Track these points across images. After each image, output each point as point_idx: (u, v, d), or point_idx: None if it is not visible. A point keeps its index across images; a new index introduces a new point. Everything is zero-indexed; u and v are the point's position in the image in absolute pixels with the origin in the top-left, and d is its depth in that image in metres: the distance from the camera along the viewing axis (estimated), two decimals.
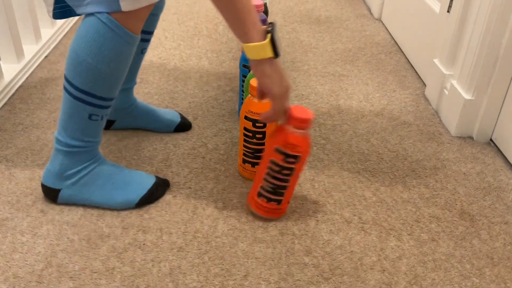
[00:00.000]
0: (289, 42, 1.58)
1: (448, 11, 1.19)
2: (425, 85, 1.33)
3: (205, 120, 1.15)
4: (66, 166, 0.85)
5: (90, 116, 0.82)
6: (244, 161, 0.95)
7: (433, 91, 1.24)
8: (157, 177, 0.93)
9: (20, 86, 1.26)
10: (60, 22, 1.56)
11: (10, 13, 1.24)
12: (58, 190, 0.87)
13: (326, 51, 1.53)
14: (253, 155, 0.93)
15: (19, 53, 1.30)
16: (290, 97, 1.26)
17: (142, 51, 1.01)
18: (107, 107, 0.84)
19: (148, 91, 1.26)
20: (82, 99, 0.80)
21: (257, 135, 0.90)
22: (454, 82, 1.14)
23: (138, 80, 1.31)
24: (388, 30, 1.69)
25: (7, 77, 1.22)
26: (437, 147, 1.09)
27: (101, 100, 0.81)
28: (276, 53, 0.75)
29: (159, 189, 0.92)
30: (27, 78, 1.30)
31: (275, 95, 0.78)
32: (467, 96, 1.09)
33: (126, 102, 1.05)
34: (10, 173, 0.96)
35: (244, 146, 0.93)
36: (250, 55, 0.76)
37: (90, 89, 0.80)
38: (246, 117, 0.89)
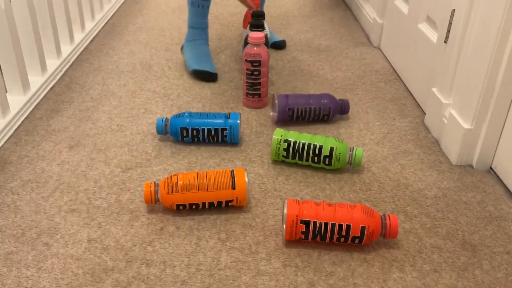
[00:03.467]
0: (290, 71, 1.60)
1: (445, 42, 1.21)
2: (424, 113, 1.35)
3: (208, 150, 1.17)
4: (189, 35, 1.56)
5: (192, 4, 1.47)
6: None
7: (433, 119, 1.26)
8: (215, 73, 1.51)
9: (26, 118, 1.28)
10: (65, 53, 1.59)
11: (16, 45, 1.26)
12: (182, 46, 1.58)
13: (326, 79, 1.55)
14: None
15: (25, 84, 1.32)
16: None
17: None
18: None
19: (152, 121, 1.28)
20: None
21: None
22: (453, 112, 1.15)
23: (142, 110, 1.33)
24: (387, 58, 1.72)
25: (13, 110, 1.24)
26: (438, 176, 1.10)
27: None
28: None
29: (206, 76, 1.50)
30: (32, 109, 1.32)
31: None
32: (466, 125, 1.10)
33: None
34: (16, 206, 0.97)
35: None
36: None
37: None
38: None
